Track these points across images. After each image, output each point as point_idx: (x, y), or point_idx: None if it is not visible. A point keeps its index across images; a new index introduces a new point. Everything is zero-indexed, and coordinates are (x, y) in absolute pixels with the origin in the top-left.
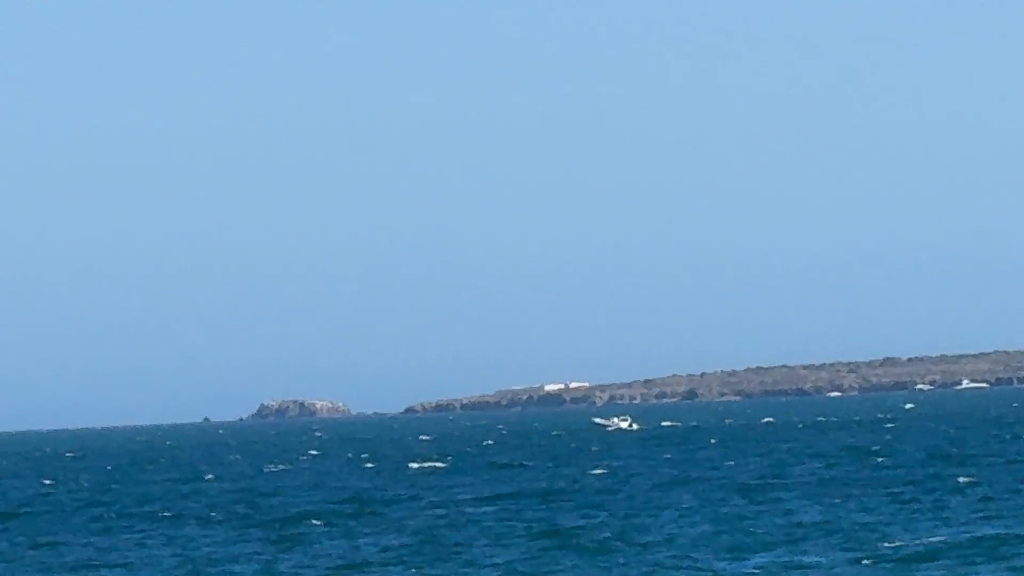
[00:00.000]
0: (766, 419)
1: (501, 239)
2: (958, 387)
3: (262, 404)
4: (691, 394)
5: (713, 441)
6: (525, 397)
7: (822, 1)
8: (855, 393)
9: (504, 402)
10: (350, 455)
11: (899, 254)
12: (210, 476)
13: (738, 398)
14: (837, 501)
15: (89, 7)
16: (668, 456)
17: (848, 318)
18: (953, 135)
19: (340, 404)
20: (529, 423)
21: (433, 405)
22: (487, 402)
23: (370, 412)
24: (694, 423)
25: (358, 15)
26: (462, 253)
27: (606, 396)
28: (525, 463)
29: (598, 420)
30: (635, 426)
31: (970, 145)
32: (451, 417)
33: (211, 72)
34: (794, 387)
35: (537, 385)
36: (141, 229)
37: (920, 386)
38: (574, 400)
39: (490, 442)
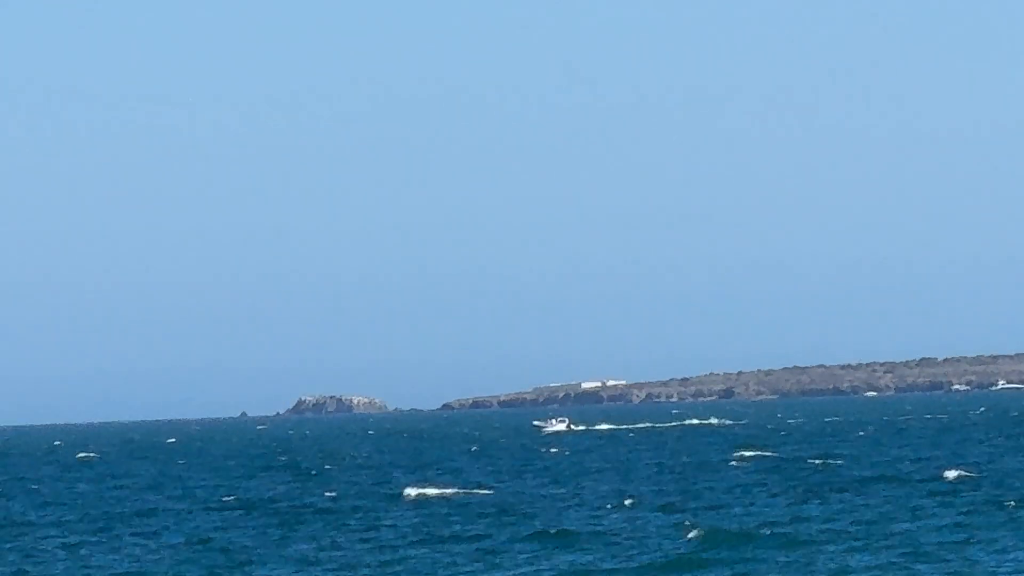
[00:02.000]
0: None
1: (541, 237)
2: (994, 388)
3: (299, 399)
4: (728, 393)
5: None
6: (562, 394)
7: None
8: (891, 393)
9: (541, 399)
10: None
11: (936, 255)
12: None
13: (775, 397)
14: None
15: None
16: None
17: (885, 318)
18: (992, 135)
19: (377, 400)
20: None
21: (470, 402)
22: (524, 399)
23: (407, 408)
24: (647, 424)
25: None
26: (502, 251)
27: (643, 394)
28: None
29: (537, 422)
30: (573, 427)
31: (1007, 145)
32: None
33: (254, 67)
34: (831, 387)
35: (574, 382)
36: (182, 229)
37: (956, 387)
38: (611, 398)
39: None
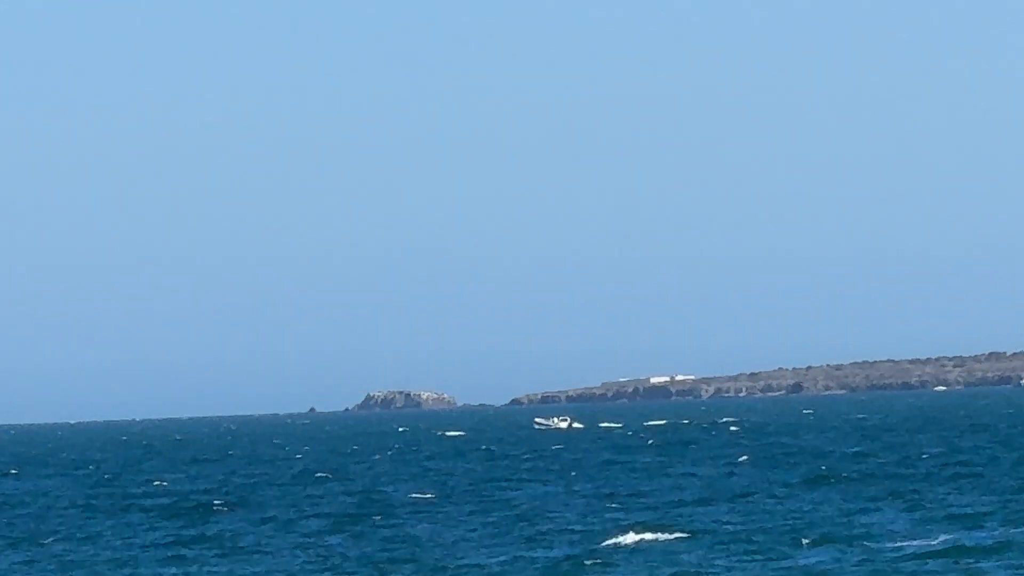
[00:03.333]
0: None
1: (609, 231)
2: None
3: (368, 395)
4: (796, 387)
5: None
6: (631, 389)
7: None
8: (960, 387)
9: (610, 394)
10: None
11: (1007, 248)
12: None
13: (843, 392)
14: None
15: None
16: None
17: (954, 313)
18: None
19: (446, 395)
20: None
21: (539, 397)
22: (593, 394)
23: (475, 403)
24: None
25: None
26: (571, 245)
27: (712, 389)
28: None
29: (539, 419)
30: (575, 426)
31: None
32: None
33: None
34: (899, 381)
35: (643, 377)
36: (252, 223)
37: None
38: (680, 392)
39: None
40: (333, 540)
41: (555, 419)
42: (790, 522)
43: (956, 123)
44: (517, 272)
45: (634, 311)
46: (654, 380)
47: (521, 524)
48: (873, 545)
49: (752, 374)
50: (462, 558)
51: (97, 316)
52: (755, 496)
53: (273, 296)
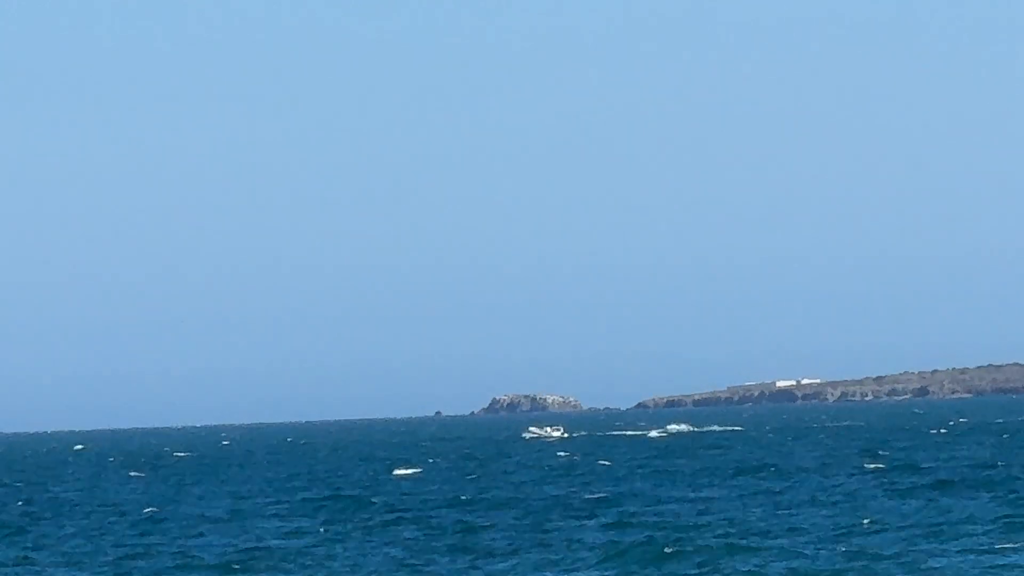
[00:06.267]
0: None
1: (733, 233)
2: None
3: (493, 399)
4: (922, 391)
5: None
6: (756, 393)
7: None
8: None
9: (736, 398)
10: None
11: None
12: None
13: (969, 395)
14: None
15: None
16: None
17: None
18: None
19: (571, 399)
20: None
21: (664, 401)
22: (718, 398)
23: (601, 407)
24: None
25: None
26: (698, 248)
27: (837, 392)
28: None
29: (532, 428)
30: (567, 435)
31: None
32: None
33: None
34: None
35: (769, 381)
36: (382, 229)
37: None
38: (806, 396)
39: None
40: None
41: (547, 428)
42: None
43: None
44: (644, 275)
45: (760, 314)
46: (780, 384)
47: None
48: None
49: (878, 377)
50: None
51: (245, 319)
52: None
53: (401, 301)
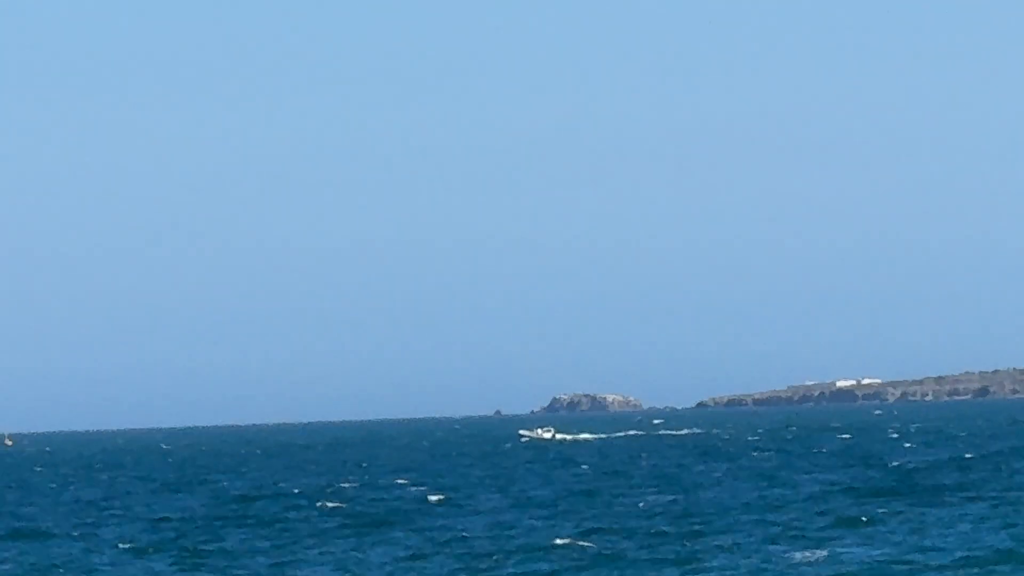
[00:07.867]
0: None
1: (796, 232)
2: None
3: (554, 398)
4: (983, 392)
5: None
6: (817, 393)
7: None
8: None
9: (796, 397)
10: None
11: None
12: None
13: None
14: None
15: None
16: None
17: None
18: None
19: (631, 398)
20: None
21: (725, 400)
22: (779, 397)
23: (661, 406)
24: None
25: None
26: (757, 248)
27: (898, 392)
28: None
29: (524, 431)
30: (558, 437)
31: None
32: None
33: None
34: None
35: (829, 381)
36: (453, 227)
37: None
38: (866, 396)
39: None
40: None
41: (539, 430)
42: None
43: None
44: (704, 274)
45: (822, 313)
46: (840, 384)
47: None
48: None
49: (938, 377)
50: None
51: (294, 317)
52: None
53: (462, 300)
